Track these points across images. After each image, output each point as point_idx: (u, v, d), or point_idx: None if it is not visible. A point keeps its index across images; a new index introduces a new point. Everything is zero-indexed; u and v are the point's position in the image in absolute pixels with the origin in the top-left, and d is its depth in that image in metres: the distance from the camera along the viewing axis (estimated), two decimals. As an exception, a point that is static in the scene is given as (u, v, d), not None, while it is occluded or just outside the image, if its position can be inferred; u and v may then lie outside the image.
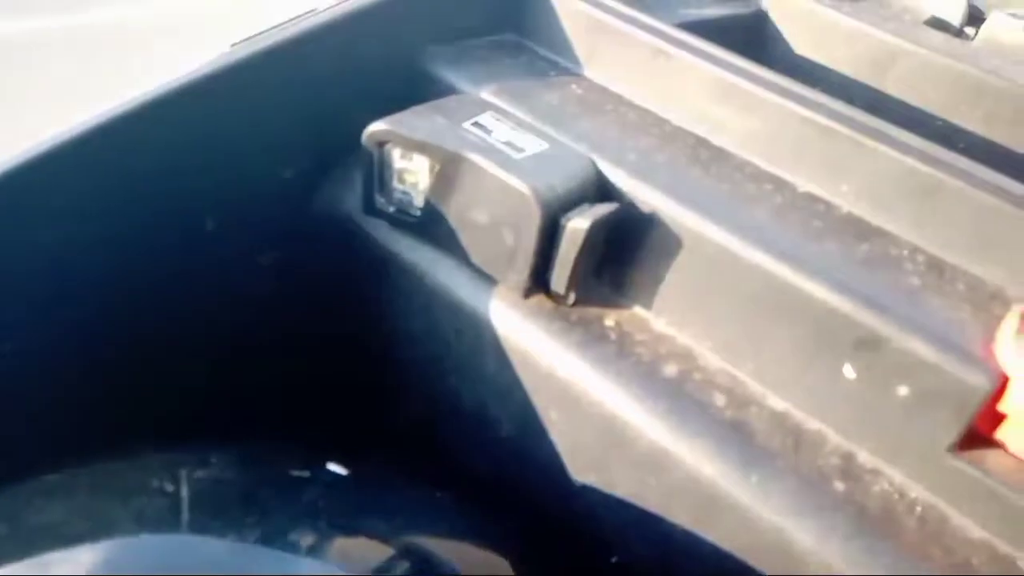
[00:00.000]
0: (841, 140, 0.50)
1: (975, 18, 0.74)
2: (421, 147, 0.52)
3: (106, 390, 0.50)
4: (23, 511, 0.38)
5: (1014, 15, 0.70)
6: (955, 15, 0.72)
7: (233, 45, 0.70)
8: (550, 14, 0.62)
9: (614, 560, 0.54)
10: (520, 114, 0.56)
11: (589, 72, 0.61)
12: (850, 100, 0.68)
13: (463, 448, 0.59)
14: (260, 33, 0.70)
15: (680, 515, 0.48)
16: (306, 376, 0.62)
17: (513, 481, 0.57)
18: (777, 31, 0.70)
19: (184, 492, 0.38)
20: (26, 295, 0.47)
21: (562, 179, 0.50)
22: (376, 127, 0.53)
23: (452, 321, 0.56)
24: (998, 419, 0.43)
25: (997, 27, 0.70)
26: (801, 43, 0.70)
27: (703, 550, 0.47)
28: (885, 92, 0.67)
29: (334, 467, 0.47)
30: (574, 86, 0.60)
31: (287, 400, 0.60)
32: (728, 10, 0.70)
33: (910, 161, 0.48)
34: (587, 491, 0.53)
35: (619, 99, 0.59)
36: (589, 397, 0.50)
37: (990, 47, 0.68)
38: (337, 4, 0.73)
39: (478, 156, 0.51)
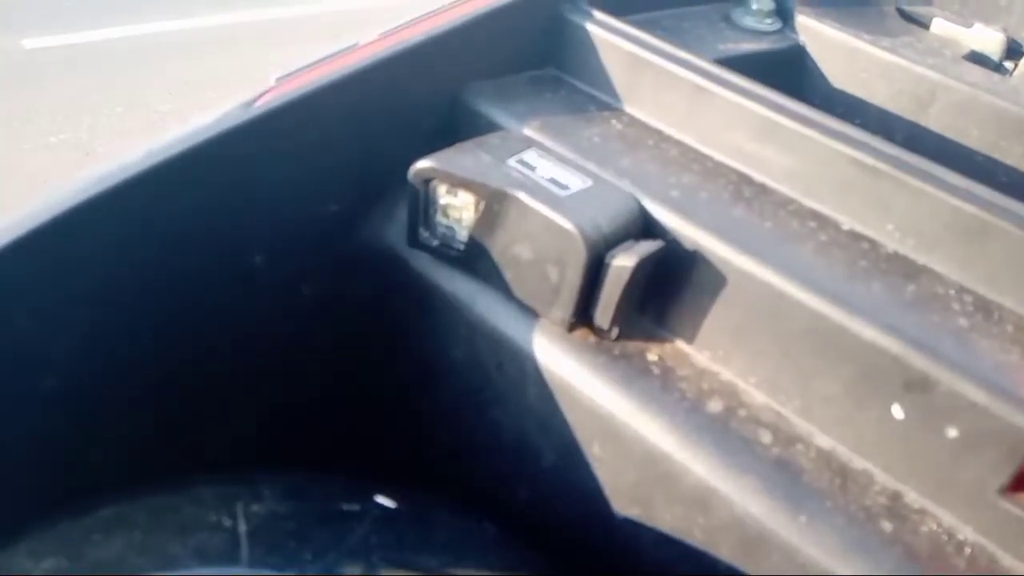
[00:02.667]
0: (886, 179, 0.51)
1: (1014, 51, 0.74)
2: (466, 184, 0.53)
3: (156, 422, 0.51)
4: (83, 545, 0.39)
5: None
6: (994, 50, 0.72)
7: (278, 79, 0.72)
8: (590, 50, 0.63)
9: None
10: (563, 150, 0.57)
11: (629, 107, 0.62)
12: (890, 135, 0.68)
13: (504, 478, 0.60)
14: (303, 68, 0.72)
15: (726, 553, 0.48)
16: (348, 404, 0.63)
17: (555, 512, 0.57)
18: (815, 65, 0.71)
19: (241, 527, 0.39)
20: (75, 331, 0.48)
21: (607, 217, 0.51)
22: (422, 164, 0.54)
23: (494, 353, 0.57)
24: (1050, 462, 0.43)
25: None
26: (839, 77, 0.70)
27: None
28: (925, 127, 0.67)
29: (382, 500, 0.47)
30: (615, 122, 0.61)
31: (330, 428, 0.60)
32: (764, 45, 0.71)
33: (956, 201, 0.48)
34: (630, 525, 0.53)
35: (660, 135, 0.60)
36: (632, 432, 0.51)
37: None
38: (379, 40, 0.75)
39: (524, 194, 0.51)
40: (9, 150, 2.65)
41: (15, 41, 3.26)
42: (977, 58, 0.72)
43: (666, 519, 0.51)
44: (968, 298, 0.49)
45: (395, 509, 0.47)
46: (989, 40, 0.72)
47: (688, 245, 0.52)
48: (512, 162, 0.54)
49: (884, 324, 0.46)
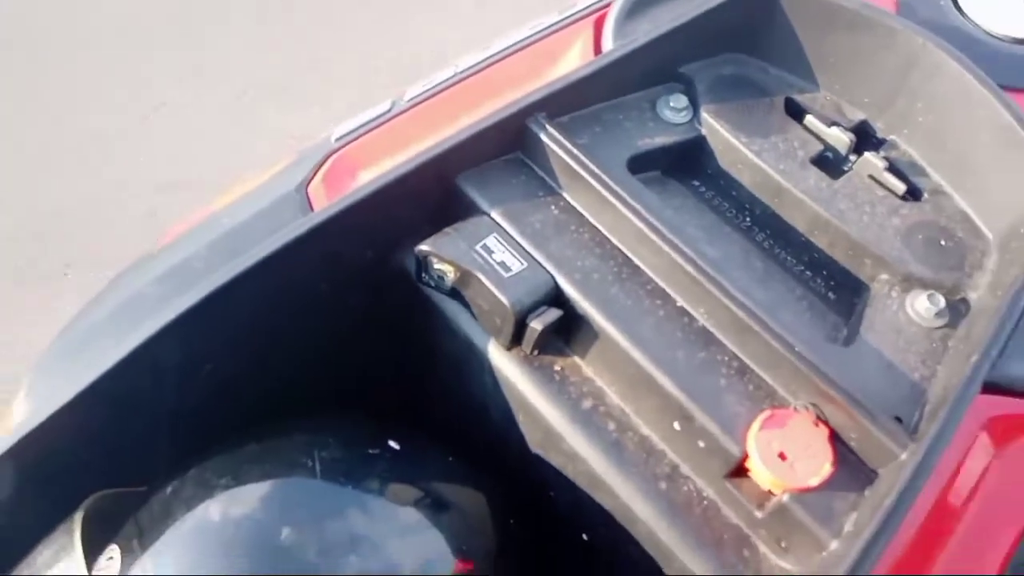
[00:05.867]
0: (698, 284, 0.82)
1: (864, 139, 0.99)
2: (449, 262, 0.87)
3: (271, 389, 0.90)
4: (238, 471, 0.78)
5: (886, 156, 0.96)
6: (843, 147, 0.97)
7: (336, 139, 1.03)
8: (541, 151, 0.92)
9: (552, 496, 0.93)
10: (514, 233, 0.88)
11: (566, 194, 0.92)
12: (752, 211, 0.98)
13: (472, 426, 0.98)
14: (357, 128, 1.03)
15: (581, 487, 0.86)
16: (378, 377, 1.00)
17: (502, 447, 0.95)
18: (711, 151, 0.99)
19: (317, 467, 0.78)
20: (226, 349, 0.86)
21: (530, 293, 0.84)
22: (422, 247, 0.87)
23: (466, 348, 0.93)
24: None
25: (863, 168, 0.96)
26: (726, 163, 0.98)
27: (592, 511, 0.85)
28: (775, 212, 0.96)
29: (393, 444, 0.86)
30: (553, 207, 0.92)
31: (368, 389, 0.99)
32: (675, 137, 0.98)
33: (732, 307, 0.80)
34: (538, 461, 0.91)
35: (581, 220, 0.91)
36: (539, 413, 0.86)
37: (851, 186, 0.94)
38: (409, 106, 1.04)
39: (481, 274, 0.85)
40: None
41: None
42: (829, 152, 0.98)
43: (554, 462, 0.89)
44: (735, 364, 0.82)
45: (400, 450, 0.85)
46: (840, 140, 0.97)
47: (580, 311, 0.85)
48: (478, 247, 0.87)
49: (675, 379, 0.80)
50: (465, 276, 0.87)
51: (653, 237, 0.85)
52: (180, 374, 0.87)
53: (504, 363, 0.89)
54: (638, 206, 0.86)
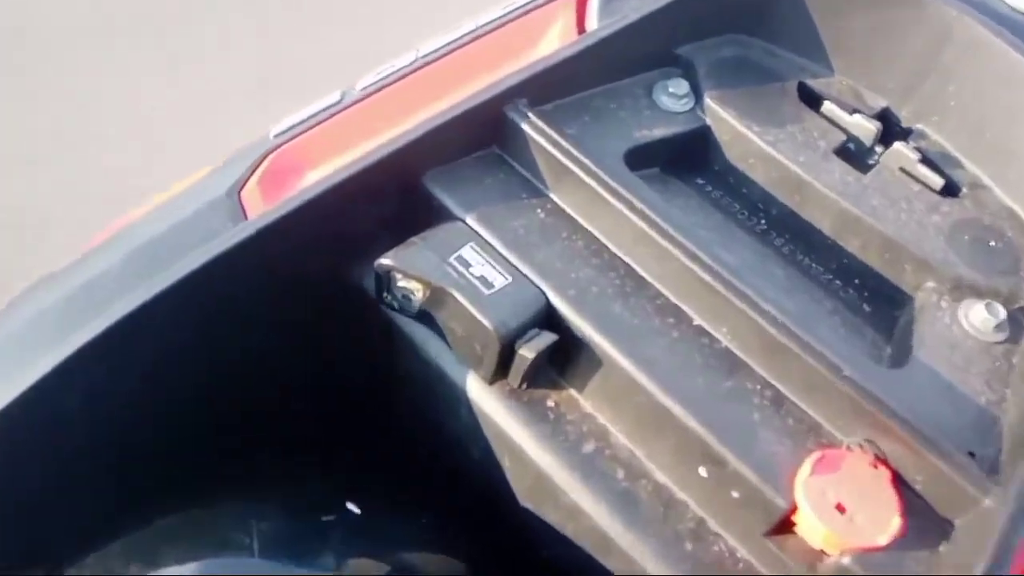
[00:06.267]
0: (719, 296, 0.68)
1: (889, 131, 0.87)
2: (416, 278, 0.71)
3: (196, 447, 0.72)
4: (154, 552, 0.61)
5: (916, 146, 0.84)
6: (867, 137, 0.85)
7: (275, 136, 0.87)
8: (524, 144, 0.77)
9: (545, 557, 0.77)
10: (494, 242, 0.73)
11: (553, 195, 0.78)
12: (768, 210, 0.84)
13: (443, 469, 0.82)
14: (298, 124, 0.87)
15: (586, 546, 0.71)
16: (329, 416, 0.84)
17: (480, 498, 0.80)
18: (717, 144, 0.85)
19: (255, 545, 0.61)
20: (144, 393, 0.68)
21: (517, 313, 0.69)
22: (383, 260, 0.71)
23: (438, 381, 0.77)
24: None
25: (893, 160, 0.84)
26: (734, 156, 0.84)
27: None
28: (793, 210, 0.82)
29: (351, 506, 0.69)
30: (539, 210, 0.77)
31: (317, 436, 0.82)
32: (676, 128, 0.84)
33: (763, 323, 0.66)
34: (527, 515, 0.75)
35: (573, 224, 0.76)
36: (529, 459, 0.71)
37: (881, 180, 0.81)
38: (362, 96, 0.89)
39: (457, 292, 0.69)
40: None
41: None
42: (851, 142, 0.86)
43: (550, 517, 0.73)
44: (768, 392, 0.68)
45: (359, 515, 0.69)
46: (864, 129, 0.85)
47: (577, 333, 0.70)
48: (452, 259, 0.71)
49: (698, 413, 0.65)
50: (437, 295, 0.71)
51: (663, 242, 0.70)
52: (84, 420, 0.69)
53: (485, 399, 0.73)
54: (643, 206, 0.72)
